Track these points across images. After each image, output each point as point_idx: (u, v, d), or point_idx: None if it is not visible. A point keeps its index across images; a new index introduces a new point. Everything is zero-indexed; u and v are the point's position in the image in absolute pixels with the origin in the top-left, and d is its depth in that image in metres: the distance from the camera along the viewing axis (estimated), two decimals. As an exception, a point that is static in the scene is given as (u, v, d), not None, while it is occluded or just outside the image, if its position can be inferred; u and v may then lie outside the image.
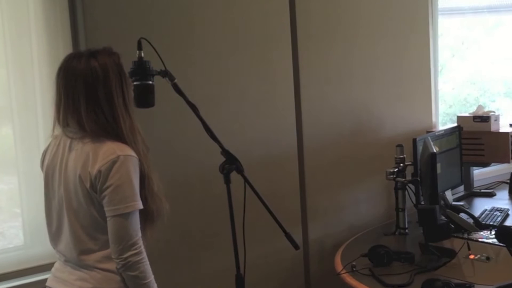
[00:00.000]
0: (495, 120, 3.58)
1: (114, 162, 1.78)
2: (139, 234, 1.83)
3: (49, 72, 2.39)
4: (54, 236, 1.97)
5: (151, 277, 1.85)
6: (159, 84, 2.02)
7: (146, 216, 1.90)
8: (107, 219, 1.81)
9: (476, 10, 4.23)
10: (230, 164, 1.97)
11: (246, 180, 1.99)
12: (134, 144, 1.85)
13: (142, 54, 1.96)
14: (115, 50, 1.90)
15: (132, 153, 1.82)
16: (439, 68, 3.80)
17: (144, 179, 1.87)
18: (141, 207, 1.83)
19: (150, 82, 1.97)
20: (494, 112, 3.63)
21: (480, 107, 3.69)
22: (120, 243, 1.79)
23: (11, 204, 2.47)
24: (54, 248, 2.00)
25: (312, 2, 3.09)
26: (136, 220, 1.82)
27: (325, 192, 3.20)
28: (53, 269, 2.01)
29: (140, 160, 1.85)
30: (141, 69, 1.95)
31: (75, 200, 1.85)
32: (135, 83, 1.95)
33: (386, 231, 3.09)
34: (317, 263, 3.17)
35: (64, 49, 2.40)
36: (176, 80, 2.01)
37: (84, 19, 2.43)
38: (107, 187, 1.78)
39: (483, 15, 4.27)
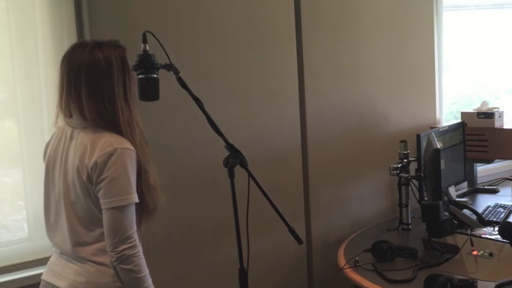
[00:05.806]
0: (499, 117, 3.58)
1: (111, 155, 1.78)
2: (135, 227, 1.83)
3: (54, 66, 2.39)
4: (51, 228, 1.97)
5: (146, 271, 1.85)
6: (164, 78, 2.02)
7: (143, 209, 1.90)
8: (103, 211, 1.81)
9: (480, 7, 4.22)
10: (234, 158, 1.96)
11: (250, 174, 1.99)
12: (131, 137, 1.85)
13: (147, 47, 1.96)
14: (121, 44, 1.91)
15: (130, 146, 1.83)
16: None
17: (140, 172, 1.87)
18: (137, 200, 1.83)
19: (155, 76, 1.97)
20: (498, 108, 3.62)
21: (484, 103, 3.68)
22: (115, 236, 1.79)
23: (16, 197, 2.47)
24: (50, 240, 2.00)
25: (317, -3, 3.09)
26: (131, 213, 1.82)
27: (329, 187, 3.20)
28: (48, 262, 2.02)
29: (137, 153, 1.85)
30: (146, 62, 1.95)
31: (73, 192, 1.86)
32: (139, 76, 1.95)
33: (389, 226, 3.10)
34: (320, 258, 3.17)
35: (69, 43, 2.38)
36: (180, 74, 2.01)
37: (89, 13, 2.43)
38: (103, 179, 1.78)
39: (488, 11, 4.25)
